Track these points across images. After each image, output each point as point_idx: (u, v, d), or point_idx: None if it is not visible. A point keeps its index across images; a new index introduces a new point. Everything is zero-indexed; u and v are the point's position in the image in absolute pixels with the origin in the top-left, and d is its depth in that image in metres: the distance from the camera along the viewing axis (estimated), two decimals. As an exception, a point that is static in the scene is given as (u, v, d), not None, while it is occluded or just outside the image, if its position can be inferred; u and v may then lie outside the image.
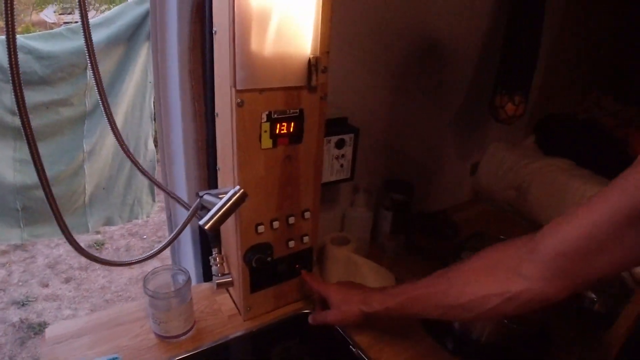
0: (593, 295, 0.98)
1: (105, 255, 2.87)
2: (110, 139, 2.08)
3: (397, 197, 1.09)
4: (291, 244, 0.87)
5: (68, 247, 2.89)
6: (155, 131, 2.20)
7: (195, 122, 0.93)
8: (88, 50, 0.64)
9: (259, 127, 0.73)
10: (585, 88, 1.82)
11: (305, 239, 0.88)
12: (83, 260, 2.82)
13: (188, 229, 1.04)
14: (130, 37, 1.95)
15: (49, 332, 0.83)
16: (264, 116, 0.72)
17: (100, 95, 0.69)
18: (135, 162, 0.76)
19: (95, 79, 0.67)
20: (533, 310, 0.56)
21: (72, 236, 0.69)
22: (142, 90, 2.14)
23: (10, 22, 0.52)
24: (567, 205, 1.30)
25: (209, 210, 0.72)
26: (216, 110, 0.80)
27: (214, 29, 0.73)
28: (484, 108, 1.21)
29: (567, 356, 0.89)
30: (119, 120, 2.07)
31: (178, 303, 0.79)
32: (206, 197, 0.76)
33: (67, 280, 2.62)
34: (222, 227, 0.89)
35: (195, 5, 0.83)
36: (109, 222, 2.25)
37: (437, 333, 0.88)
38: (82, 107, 1.98)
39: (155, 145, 2.29)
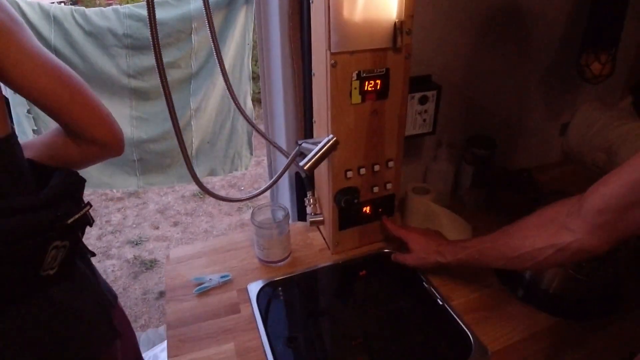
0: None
1: (207, 203, 3.21)
2: (214, 98, 2.30)
3: (479, 152, 1.14)
4: (375, 189, 0.98)
5: (176, 194, 3.30)
6: (253, 90, 2.40)
7: (294, 80, 1.06)
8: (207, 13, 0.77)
9: (349, 85, 0.83)
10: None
11: (389, 185, 0.98)
12: (189, 206, 3.18)
13: (285, 175, 1.19)
14: (229, 2, 2.10)
15: (172, 254, 1.04)
16: (354, 75, 0.82)
17: (215, 51, 0.82)
18: (242, 111, 0.91)
19: (213, 39, 0.80)
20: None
21: (198, 178, 0.84)
22: (241, 52, 2.32)
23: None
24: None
25: (306, 156, 0.85)
26: (313, 70, 0.92)
27: (312, -1, 0.83)
28: (573, 68, 1.19)
29: (627, 315, 0.91)
30: (221, 80, 2.27)
31: (279, 233, 0.95)
32: (304, 144, 0.89)
33: (175, 224, 3.00)
34: (316, 173, 1.04)
35: (294, -26, 0.94)
36: (212, 173, 2.51)
37: (508, 280, 0.95)
38: (189, 69, 2.20)
39: (254, 103, 2.48)
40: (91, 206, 0.64)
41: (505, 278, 0.95)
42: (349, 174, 0.93)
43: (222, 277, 0.93)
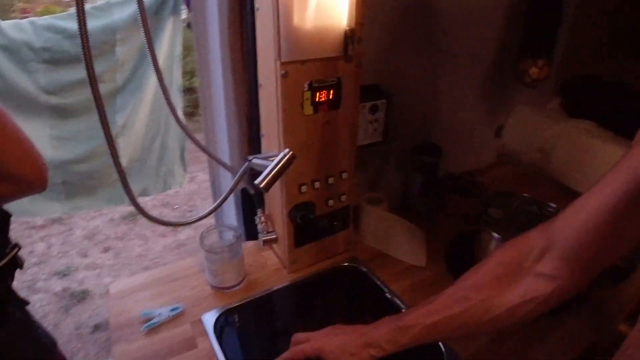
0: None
1: (139, 225, 3.01)
2: (143, 113, 2.16)
3: (426, 159, 1.15)
4: (330, 202, 0.94)
5: (104, 218, 3.06)
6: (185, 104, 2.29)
7: (236, 92, 1.00)
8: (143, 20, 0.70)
9: (301, 96, 0.80)
10: (612, 51, 1.81)
11: (343, 197, 0.96)
12: (119, 230, 2.96)
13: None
14: (155, 12, 1.99)
15: (112, 288, 0.93)
16: (306, 85, 0.79)
17: (152, 59, 0.74)
18: (182, 126, 0.84)
19: (149, 46, 0.73)
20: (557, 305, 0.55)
21: (136, 200, 0.76)
22: (169, 64, 2.20)
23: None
24: (589, 166, 1.34)
25: (256, 172, 0.80)
26: (259, 81, 0.87)
27: (256, 6, 0.79)
28: (509, 72, 1.24)
29: (581, 309, 0.95)
30: (149, 93, 2.15)
31: (231, 257, 0.88)
32: (255, 160, 0.83)
33: (106, 250, 2.77)
34: (267, 189, 0.98)
35: (234, -18, 0.89)
36: (144, 193, 2.36)
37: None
38: (114, 83, 2.06)
39: (188, 116, 2.36)
40: (20, 247, 0.54)
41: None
42: (304, 188, 0.89)
43: (172, 309, 0.84)
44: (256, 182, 0.72)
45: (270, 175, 0.73)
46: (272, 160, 0.75)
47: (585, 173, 1.36)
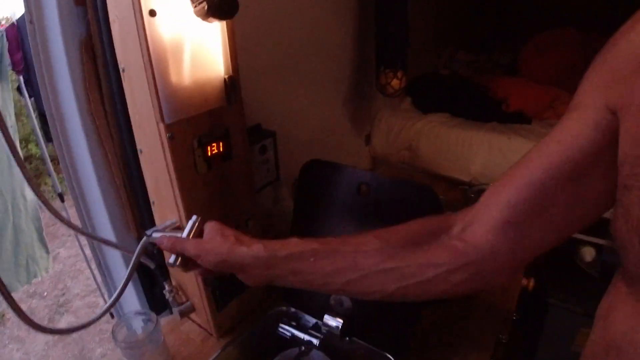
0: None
1: (9, 327, 2.53)
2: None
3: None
4: (243, 255, 0.90)
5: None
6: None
7: (107, 162, 0.90)
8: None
9: (192, 155, 0.74)
10: (440, 45, 2.06)
11: (255, 245, 0.92)
12: (-17, 341, 2.46)
13: (123, 270, 1.01)
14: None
15: None
16: (195, 142, 0.74)
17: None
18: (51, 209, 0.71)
19: None
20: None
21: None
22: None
23: None
24: (452, 152, 1.51)
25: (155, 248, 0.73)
26: (138, 147, 0.79)
27: (121, 66, 0.72)
28: (366, 85, 1.33)
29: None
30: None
31: (154, 346, 0.78)
32: (155, 234, 0.75)
33: (-22, 367, 2.29)
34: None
35: (83, 44, 0.80)
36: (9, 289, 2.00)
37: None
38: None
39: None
40: None
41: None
42: (214, 248, 0.83)
43: None
44: (170, 261, 0.65)
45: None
46: (178, 232, 0.69)
47: (449, 158, 1.53)
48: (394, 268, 0.51)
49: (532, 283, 1.12)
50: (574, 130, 0.44)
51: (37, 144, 2.51)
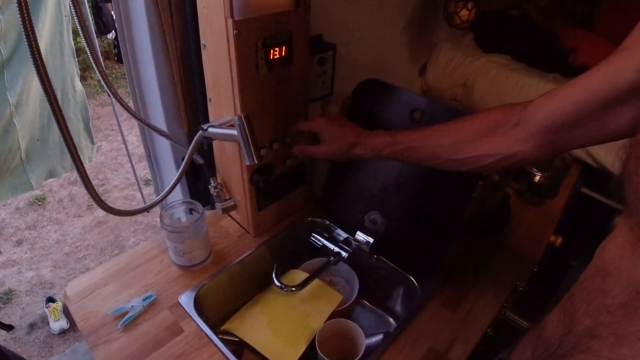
0: (538, 172, 1.16)
1: (49, 209, 2.73)
2: (36, 87, 1.89)
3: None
4: (288, 161, 0.93)
5: (9, 209, 2.73)
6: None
7: (167, 55, 0.91)
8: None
9: (255, 55, 0.74)
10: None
11: (300, 155, 0.94)
12: (29, 219, 2.65)
13: (171, 162, 1.06)
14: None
15: (69, 290, 0.84)
16: (260, 43, 0.74)
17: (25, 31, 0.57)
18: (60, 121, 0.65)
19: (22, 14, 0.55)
20: (520, 166, 0.67)
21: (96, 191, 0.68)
22: (58, 27, 1.93)
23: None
24: (508, 97, 1.45)
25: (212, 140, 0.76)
26: (202, 42, 0.79)
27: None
28: (432, 12, 1.26)
29: (523, 222, 1.08)
30: (41, 63, 1.88)
31: (197, 234, 0.84)
32: (211, 129, 0.78)
33: (19, 243, 2.48)
34: (219, 155, 0.94)
35: None
36: (51, 174, 2.12)
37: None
38: (-1, 56, 1.77)
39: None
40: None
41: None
42: (263, 151, 0.85)
43: (144, 299, 0.79)
44: (248, 163, 0.69)
45: (251, 145, 0.70)
46: (231, 128, 0.72)
47: (503, 101, 1.45)
48: (463, 159, 0.69)
49: (559, 241, 1.12)
50: (619, 67, 0.50)
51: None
